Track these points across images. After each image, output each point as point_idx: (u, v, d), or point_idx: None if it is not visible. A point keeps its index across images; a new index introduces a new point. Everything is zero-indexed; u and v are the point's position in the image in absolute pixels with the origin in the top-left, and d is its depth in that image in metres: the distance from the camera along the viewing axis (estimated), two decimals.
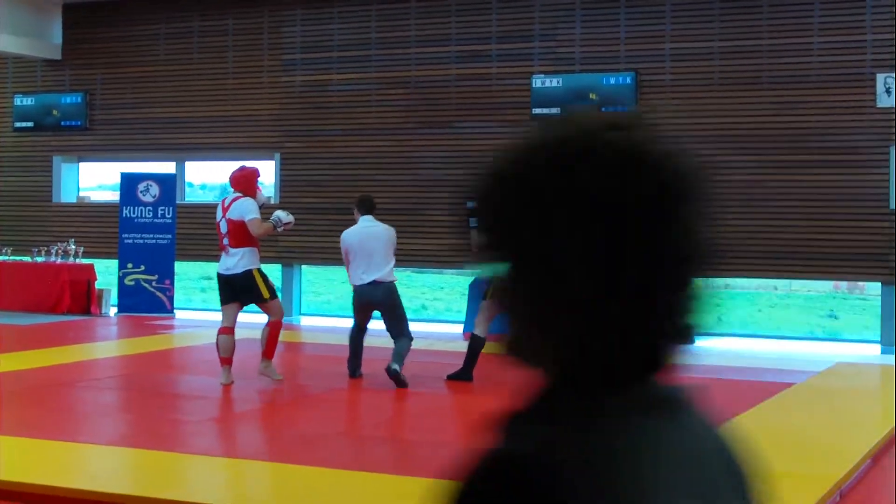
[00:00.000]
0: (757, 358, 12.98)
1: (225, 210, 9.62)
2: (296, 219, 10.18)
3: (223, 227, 9.60)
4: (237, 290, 9.63)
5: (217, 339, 9.74)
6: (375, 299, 9.88)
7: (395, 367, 9.58)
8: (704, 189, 1.34)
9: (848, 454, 7.17)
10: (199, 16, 18.27)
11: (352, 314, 10.29)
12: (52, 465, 6.69)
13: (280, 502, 6.06)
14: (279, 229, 9.81)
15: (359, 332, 10.19)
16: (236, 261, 9.50)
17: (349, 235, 10.04)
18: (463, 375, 10.10)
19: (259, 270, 9.66)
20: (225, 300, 9.77)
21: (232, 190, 9.79)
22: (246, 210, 9.49)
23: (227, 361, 9.72)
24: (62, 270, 16.96)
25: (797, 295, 26.54)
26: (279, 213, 9.92)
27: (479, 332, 10.27)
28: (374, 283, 9.77)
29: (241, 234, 9.47)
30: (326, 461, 6.85)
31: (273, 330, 9.72)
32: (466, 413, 8.96)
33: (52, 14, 19.06)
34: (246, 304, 9.83)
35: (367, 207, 10.23)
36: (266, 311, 9.80)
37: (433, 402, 9.23)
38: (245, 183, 9.72)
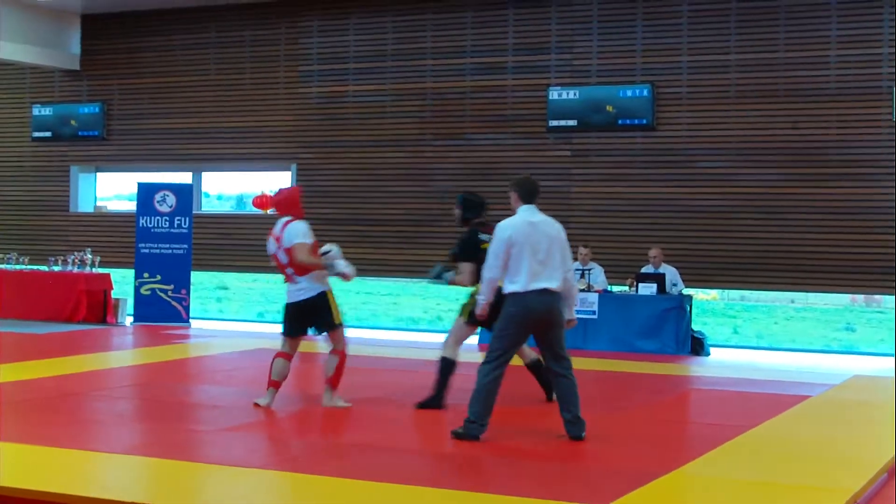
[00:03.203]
0: (773, 370, 12.94)
1: (279, 239, 9.06)
2: (311, 229, 9.33)
3: (282, 258, 9.03)
4: (307, 316, 9.15)
5: (273, 362, 9.31)
6: (546, 313, 7.84)
7: (581, 424, 8.02)
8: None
9: (864, 467, 7.14)
10: (217, 27, 18.34)
11: (502, 337, 7.94)
12: (67, 473, 6.70)
13: None
14: (330, 272, 8.99)
15: (503, 366, 7.93)
16: (308, 283, 9.02)
17: (511, 228, 7.92)
18: (434, 403, 9.27)
19: (331, 293, 9.12)
20: (292, 332, 9.26)
21: (278, 216, 9.25)
22: (294, 233, 8.98)
23: (276, 385, 9.31)
24: (79, 280, 17.00)
25: (814, 308, 26.47)
26: (341, 262, 9.02)
27: (449, 353, 9.34)
28: (545, 291, 7.81)
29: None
30: (339, 471, 6.85)
31: (342, 361, 9.24)
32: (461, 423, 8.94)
33: (71, 25, 19.15)
34: (311, 328, 9.29)
35: (529, 193, 8.13)
36: (333, 338, 9.24)
37: (448, 414, 9.21)
38: (290, 205, 9.19)
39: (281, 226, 9.13)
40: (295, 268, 9.00)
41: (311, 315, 9.16)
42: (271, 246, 9.19)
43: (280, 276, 9.23)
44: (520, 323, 7.82)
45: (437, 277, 9.71)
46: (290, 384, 11.29)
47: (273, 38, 17.96)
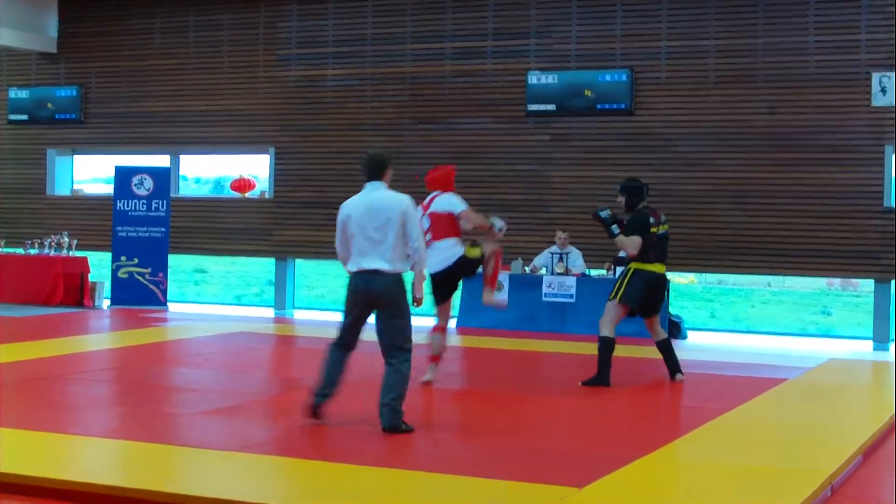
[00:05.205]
0: (750, 354, 13.01)
1: (426, 207, 9.50)
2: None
3: (424, 224, 9.38)
4: (460, 277, 9.53)
5: (431, 337, 9.64)
6: (370, 295, 7.55)
7: (390, 414, 7.55)
8: None
9: (840, 450, 7.19)
10: (195, 10, 18.26)
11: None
12: (45, 456, 6.69)
13: (271, 494, 6.07)
14: (496, 231, 9.58)
15: (342, 346, 7.83)
16: (445, 252, 9.37)
17: (345, 207, 7.76)
18: (600, 380, 9.83)
19: (467, 247, 9.54)
20: (442, 299, 9.58)
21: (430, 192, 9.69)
22: (455, 203, 9.45)
23: (436, 359, 9.68)
24: (56, 263, 16.95)
25: (791, 291, 26.59)
26: (496, 219, 9.66)
27: (606, 332, 9.91)
28: (372, 271, 7.51)
29: (445, 226, 9.42)
30: (317, 454, 6.86)
31: (498, 257, 9.66)
32: (440, 407, 8.99)
33: (48, 7, 19.03)
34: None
35: (373, 169, 7.87)
36: (487, 258, 9.58)
37: (423, 397, 9.23)
38: (444, 182, 9.64)
39: (430, 197, 9.57)
40: (434, 232, 9.39)
41: (462, 273, 9.51)
42: None
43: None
44: (349, 303, 7.60)
45: (606, 221, 10.10)
46: (269, 367, 11.30)
47: (252, 21, 17.89)
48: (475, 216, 9.54)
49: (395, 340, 7.57)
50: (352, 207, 7.64)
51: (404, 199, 7.59)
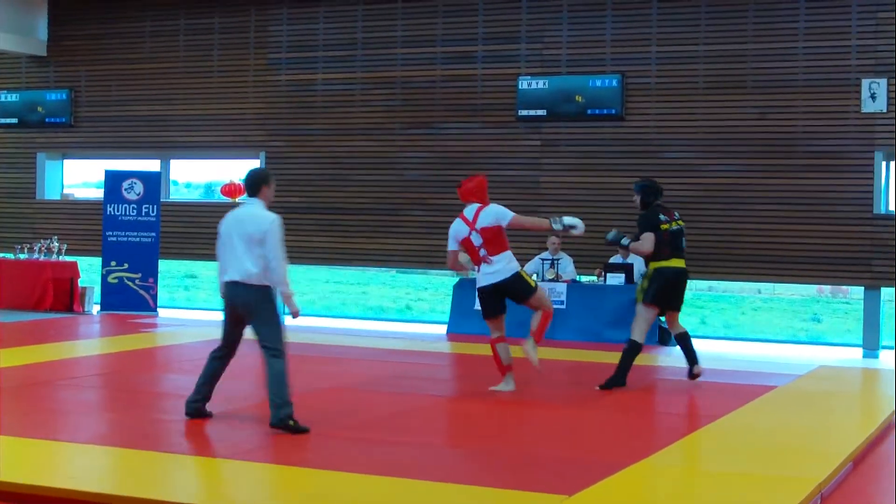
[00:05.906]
0: (740, 361, 13.01)
1: (472, 223, 9.46)
2: (280, 217, 9.44)
3: (476, 240, 9.44)
4: (505, 295, 9.52)
5: (496, 349, 9.65)
6: (233, 304, 8.02)
7: (274, 412, 7.83)
8: None
9: (829, 457, 7.20)
10: (185, 13, 18.23)
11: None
12: (32, 463, 6.66)
13: (260, 501, 6.05)
14: (558, 227, 9.47)
15: (221, 353, 8.33)
16: (503, 265, 9.41)
17: (223, 221, 8.09)
18: (616, 381, 10.03)
19: (523, 270, 9.59)
20: (493, 313, 9.60)
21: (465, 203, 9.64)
22: (502, 213, 9.47)
23: (507, 369, 9.71)
24: (45, 268, 16.90)
25: (781, 298, 26.62)
26: (566, 218, 9.56)
27: (635, 336, 10.06)
28: (233, 283, 7.93)
29: (497, 240, 9.44)
30: (306, 460, 6.84)
31: (546, 318, 9.61)
32: (428, 413, 8.97)
33: (38, 10, 18.99)
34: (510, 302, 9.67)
35: (250, 186, 8.16)
36: (534, 305, 9.58)
37: (415, 403, 9.22)
38: (480, 192, 9.61)
39: (474, 211, 9.49)
40: (489, 247, 9.41)
41: (508, 293, 9.55)
42: (461, 232, 9.52)
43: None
44: (224, 312, 8.11)
45: (615, 241, 10.34)
46: (258, 374, 11.28)
47: (242, 25, 17.86)
48: (526, 219, 9.62)
49: (266, 344, 7.94)
50: (226, 221, 8.00)
51: (270, 218, 7.89)
